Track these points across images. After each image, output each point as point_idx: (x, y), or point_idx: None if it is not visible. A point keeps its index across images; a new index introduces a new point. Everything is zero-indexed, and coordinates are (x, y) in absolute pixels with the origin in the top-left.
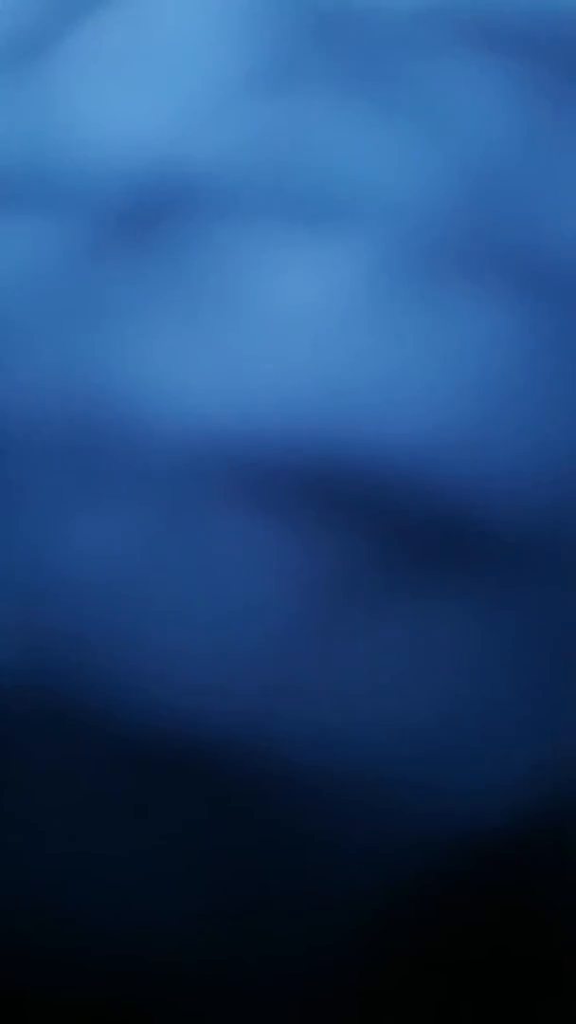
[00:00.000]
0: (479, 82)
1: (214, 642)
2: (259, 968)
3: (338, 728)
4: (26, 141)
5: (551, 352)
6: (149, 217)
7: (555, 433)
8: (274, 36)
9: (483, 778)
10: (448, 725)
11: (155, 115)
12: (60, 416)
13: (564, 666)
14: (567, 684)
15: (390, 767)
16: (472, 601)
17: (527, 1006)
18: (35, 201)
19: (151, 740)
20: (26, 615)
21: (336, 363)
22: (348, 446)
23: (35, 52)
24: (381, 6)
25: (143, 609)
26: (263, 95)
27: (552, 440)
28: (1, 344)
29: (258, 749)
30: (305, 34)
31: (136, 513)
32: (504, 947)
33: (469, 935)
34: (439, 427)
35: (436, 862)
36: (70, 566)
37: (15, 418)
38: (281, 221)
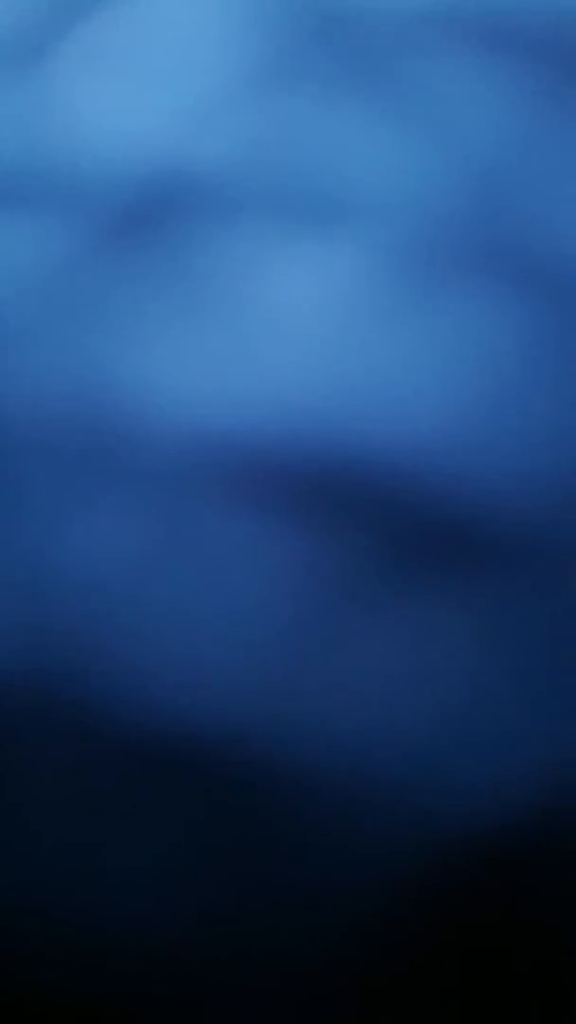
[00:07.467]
0: (479, 82)
1: (214, 642)
2: (259, 967)
3: (338, 728)
4: (26, 141)
5: (551, 352)
6: (150, 217)
7: (556, 433)
8: (274, 36)
9: (483, 778)
10: (448, 725)
11: (155, 115)
12: (61, 415)
13: (564, 666)
14: (567, 684)
15: (390, 767)
16: (472, 601)
17: (527, 1005)
18: (36, 201)
19: (151, 739)
20: (26, 614)
21: (337, 363)
22: (348, 446)
23: (35, 52)
24: (381, 6)
25: (143, 608)
26: (264, 95)
27: (553, 440)
28: (1, 343)
29: (258, 748)
30: (305, 34)
31: (137, 512)
32: (504, 947)
33: (469, 934)
34: (440, 427)
35: (436, 861)
36: (70, 565)
37: (16, 418)
38: (282, 220)
